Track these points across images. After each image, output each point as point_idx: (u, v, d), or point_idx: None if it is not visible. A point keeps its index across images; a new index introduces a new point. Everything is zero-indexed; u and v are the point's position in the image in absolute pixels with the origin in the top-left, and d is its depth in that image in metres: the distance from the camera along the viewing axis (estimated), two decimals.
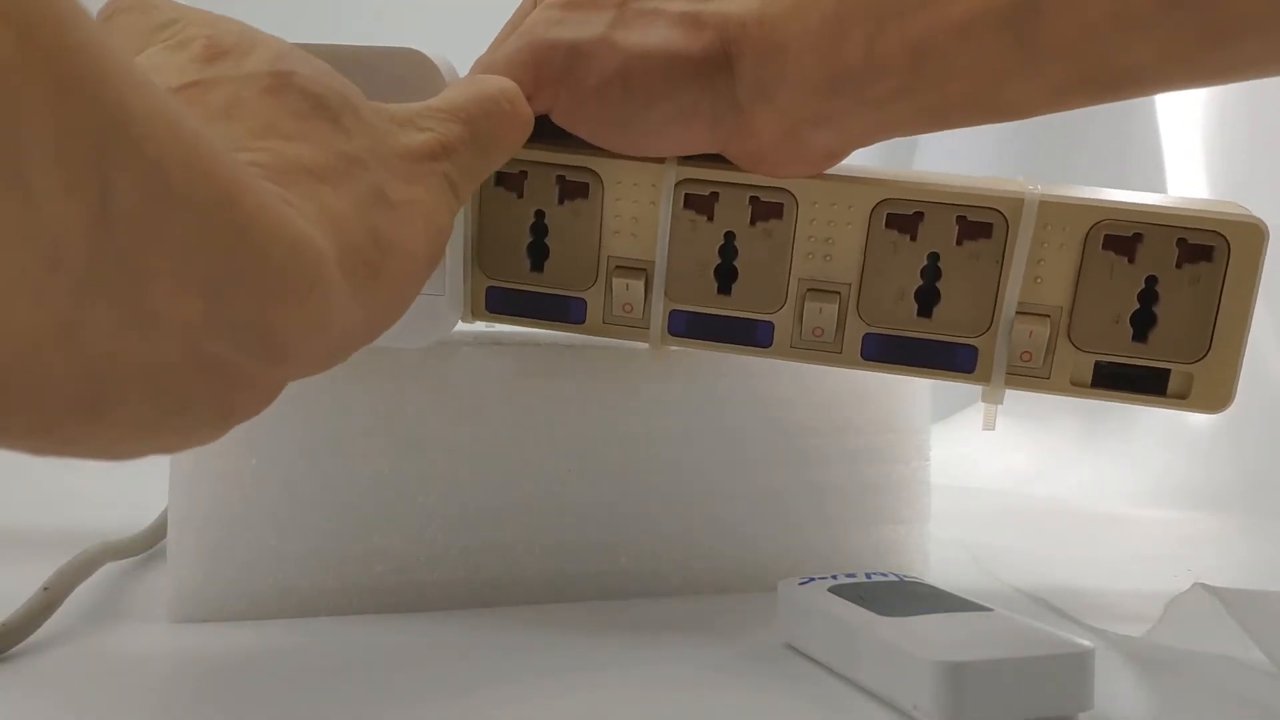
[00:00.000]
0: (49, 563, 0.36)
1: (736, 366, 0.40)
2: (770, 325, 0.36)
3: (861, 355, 0.36)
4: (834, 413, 0.41)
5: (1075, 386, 0.35)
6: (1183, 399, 0.34)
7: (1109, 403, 0.35)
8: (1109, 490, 0.67)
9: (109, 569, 0.42)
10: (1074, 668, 0.26)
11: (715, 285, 0.36)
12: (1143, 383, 0.34)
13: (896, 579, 0.33)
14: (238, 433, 0.36)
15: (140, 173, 0.16)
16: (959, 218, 0.34)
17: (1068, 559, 0.47)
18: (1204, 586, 0.30)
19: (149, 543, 0.45)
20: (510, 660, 0.33)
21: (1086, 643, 0.27)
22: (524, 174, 0.37)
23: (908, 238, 0.34)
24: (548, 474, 0.39)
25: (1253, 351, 0.33)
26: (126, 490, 0.69)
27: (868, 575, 0.33)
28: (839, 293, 0.35)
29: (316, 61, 0.25)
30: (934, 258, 0.34)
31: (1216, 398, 0.34)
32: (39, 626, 0.34)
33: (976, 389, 0.36)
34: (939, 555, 0.44)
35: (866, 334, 0.35)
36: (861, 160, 0.35)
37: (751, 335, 0.36)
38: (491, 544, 0.38)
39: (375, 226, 0.24)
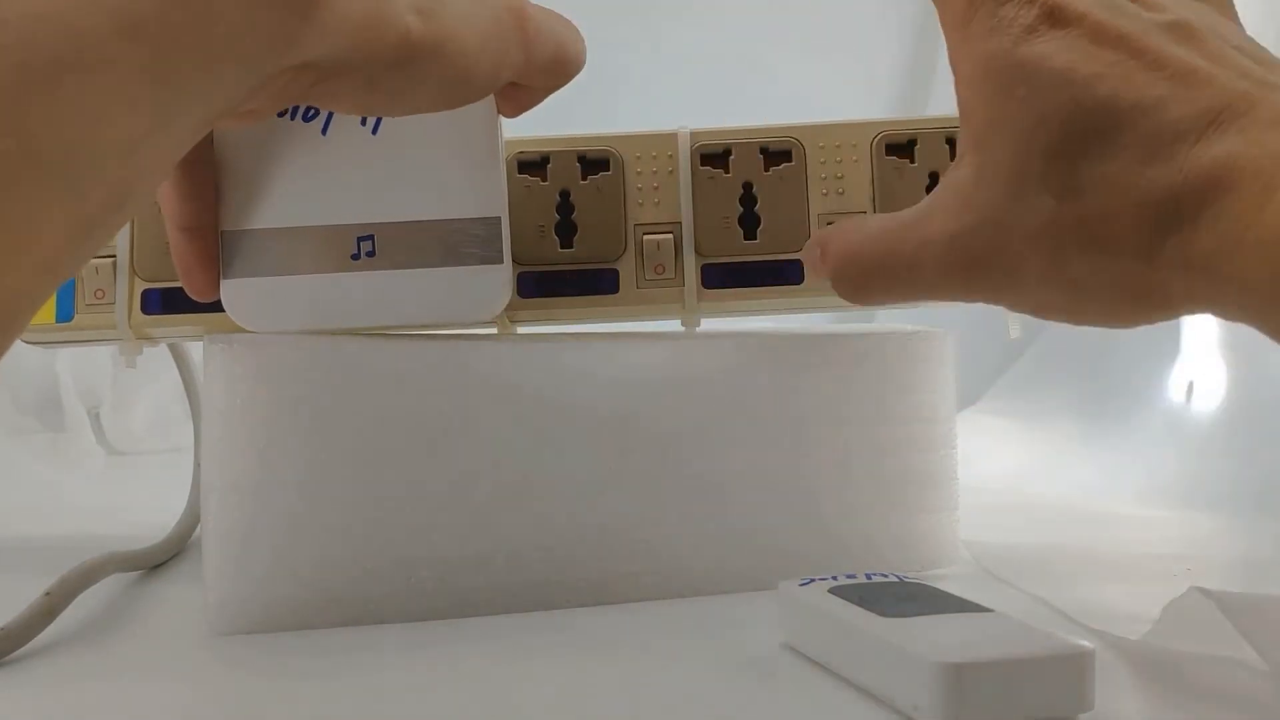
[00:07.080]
0: (53, 573, 0.36)
1: (760, 361, 0.40)
2: (799, 263, 0.39)
3: None
4: (863, 405, 0.41)
5: None
6: None
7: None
8: (1109, 490, 0.67)
9: (115, 582, 0.42)
10: (1074, 668, 0.26)
11: (741, 233, 0.39)
12: None
13: (897, 580, 0.33)
14: (277, 443, 0.36)
15: None
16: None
17: (1068, 559, 0.47)
18: (1200, 590, 0.30)
19: (158, 558, 0.44)
20: (512, 660, 0.33)
21: (1086, 643, 0.27)
22: (546, 159, 0.39)
23: (907, 161, 0.40)
24: (583, 475, 0.38)
25: (1252, 351, 0.33)
26: (132, 502, 0.69)
27: (868, 576, 0.33)
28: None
29: None
30: (933, 177, 0.39)
31: None
32: (40, 632, 0.34)
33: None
34: None
35: None
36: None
37: (783, 275, 0.39)
38: (537, 547, 0.38)
39: None
